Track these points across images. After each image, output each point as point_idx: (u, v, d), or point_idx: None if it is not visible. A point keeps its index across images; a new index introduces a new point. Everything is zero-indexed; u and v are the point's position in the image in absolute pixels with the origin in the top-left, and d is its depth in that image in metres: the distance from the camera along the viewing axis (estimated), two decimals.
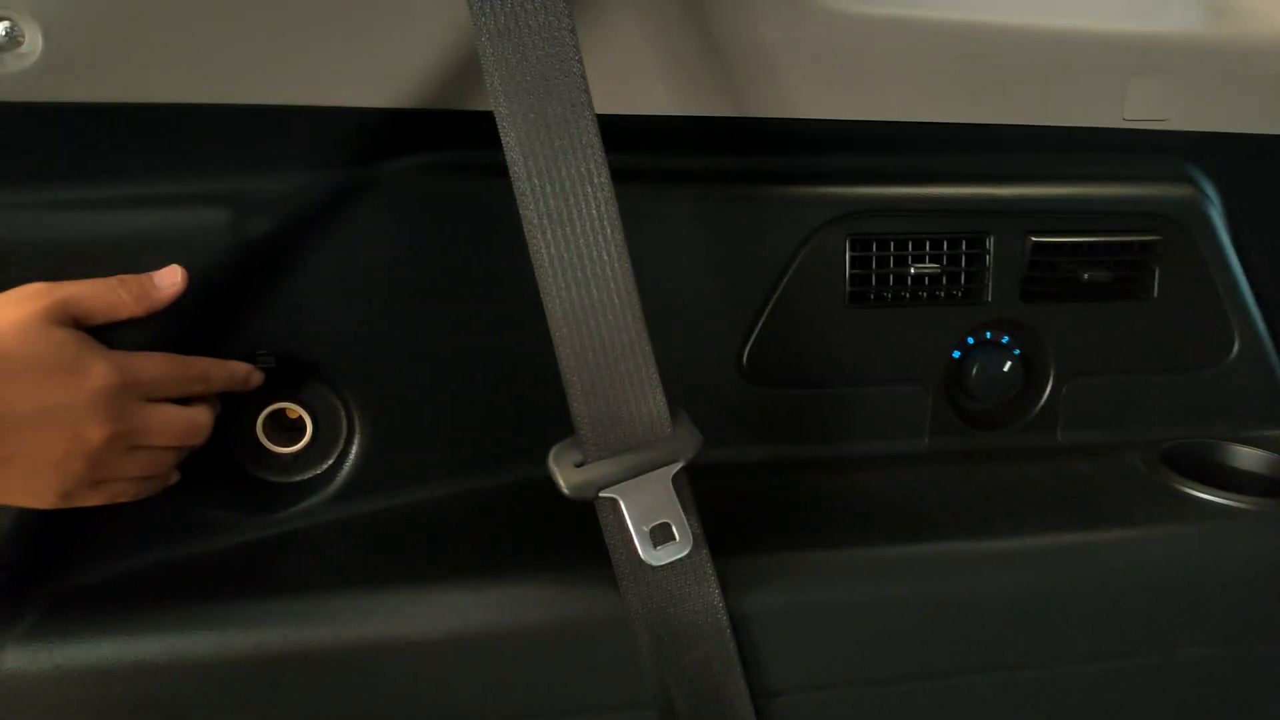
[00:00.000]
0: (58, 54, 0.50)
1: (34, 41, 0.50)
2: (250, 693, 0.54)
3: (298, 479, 0.65)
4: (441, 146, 0.63)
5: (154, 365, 0.53)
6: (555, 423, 0.57)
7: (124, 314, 0.53)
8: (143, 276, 0.54)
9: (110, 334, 0.52)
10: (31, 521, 0.54)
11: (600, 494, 0.55)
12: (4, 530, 0.54)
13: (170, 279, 0.55)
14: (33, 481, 0.50)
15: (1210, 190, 0.82)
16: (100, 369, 0.50)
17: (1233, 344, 0.82)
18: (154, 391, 0.53)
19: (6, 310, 0.49)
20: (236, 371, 0.59)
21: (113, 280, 0.53)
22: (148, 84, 0.53)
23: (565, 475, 0.55)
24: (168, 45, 0.53)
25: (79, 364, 0.49)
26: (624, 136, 0.66)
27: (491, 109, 0.52)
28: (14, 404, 0.47)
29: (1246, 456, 0.78)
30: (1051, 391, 0.79)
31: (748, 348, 0.73)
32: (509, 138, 0.52)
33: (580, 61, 0.53)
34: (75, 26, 0.50)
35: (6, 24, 0.50)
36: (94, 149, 0.53)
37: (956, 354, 0.77)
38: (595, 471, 0.55)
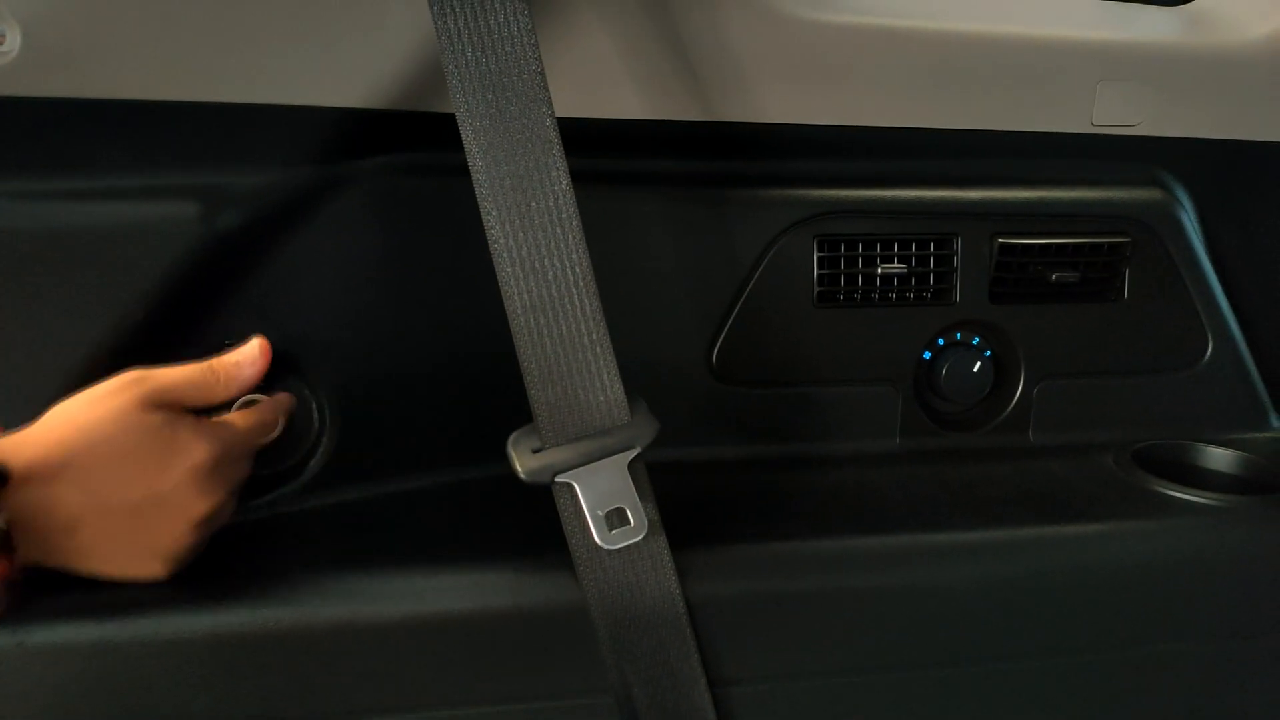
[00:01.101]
0: (35, 51, 0.53)
1: (13, 39, 0.52)
2: (210, 672, 0.55)
3: (267, 471, 0.66)
4: (410, 147, 0.65)
5: (243, 422, 0.58)
6: (523, 416, 0.58)
7: (218, 398, 0.57)
8: (228, 359, 0.58)
9: (72, 323, 0.54)
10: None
11: (556, 479, 0.56)
12: None
13: (251, 357, 0.59)
14: (147, 561, 0.54)
15: (1182, 194, 0.83)
16: (199, 447, 0.53)
17: (1206, 347, 0.82)
18: (246, 448, 0.58)
19: (104, 401, 0.52)
20: (285, 401, 0.64)
21: (203, 366, 0.57)
22: (123, 81, 0.55)
23: (522, 460, 0.56)
24: (143, 44, 0.55)
25: (177, 445, 0.52)
26: (594, 140, 0.68)
27: (454, 110, 0.54)
28: (123, 492, 0.51)
29: (1218, 457, 0.78)
30: (1023, 392, 0.80)
31: (717, 347, 0.74)
32: (467, 132, 0.54)
33: (539, 60, 0.55)
34: (52, 25, 0.53)
35: None
36: (70, 143, 0.55)
37: (927, 355, 0.78)
38: (552, 457, 0.56)
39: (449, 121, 0.60)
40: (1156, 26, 0.82)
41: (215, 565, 0.58)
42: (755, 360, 0.75)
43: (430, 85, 0.63)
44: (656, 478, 0.59)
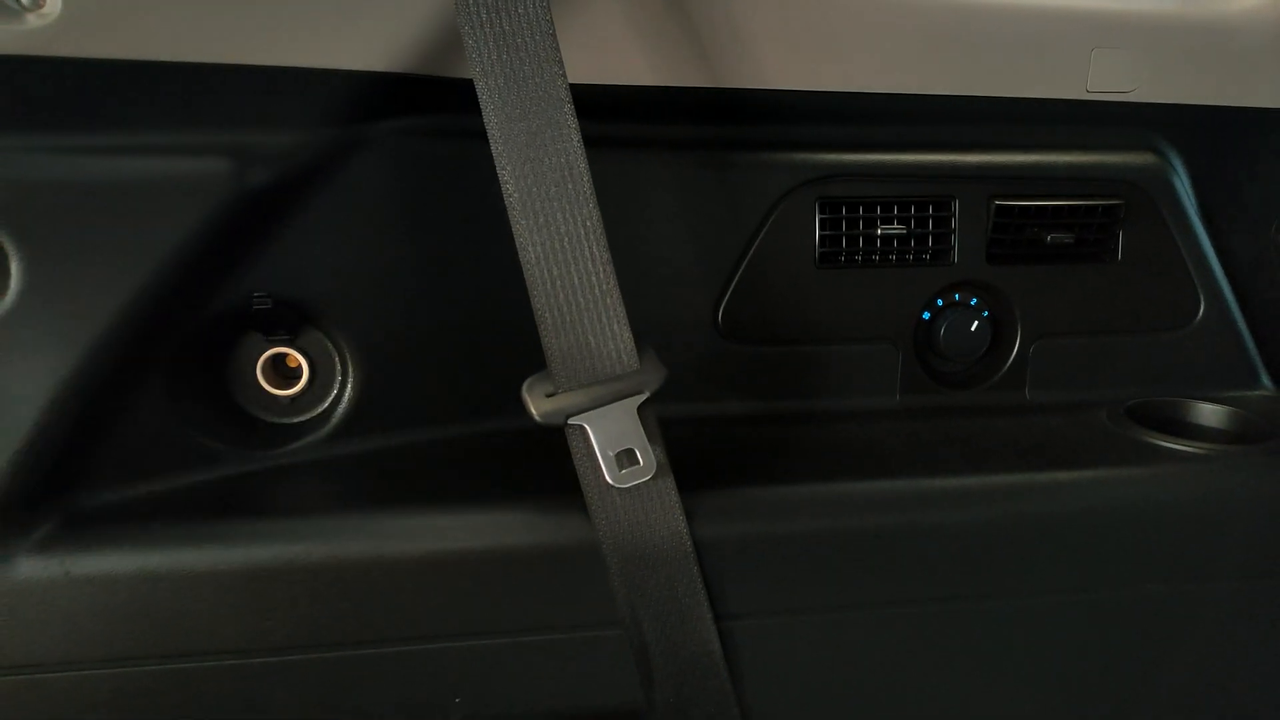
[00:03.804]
0: (74, 14, 0.56)
1: (53, 3, 0.55)
2: (244, 603, 0.58)
3: (295, 420, 0.69)
4: (429, 110, 0.68)
5: None
6: (535, 368, 0.61)
7: None
8: None
9: (110, 272, 0.57)
10: (46, 441, 0.59)
11: (569, 421, 0.59)
12: (20, 447, 0.58)
13: None
14: None
15: (1174, 158, 0.85)
16: None
17: (1198, 307, 0.85)
18: None
19: None
20: None
21: None
22: (156, 43, 0.58)
23: (536, 404, 0.59)
24: (175, 7, 0.58)
25: None
26: (604, 106, 0.71)
27: (471, 75, 0.57)
28: None
29: (1208, 412, 0.80)
30: (1019, 351, 0.82)
31: (723, 306, 0.77)
32: (483, 91, 0.56)
33: (550, 21, 0.57)
34: None
35: None
36: (107, 101, 0.58)
37: (926, 314, 0.81)
38: (564, 401, 0.59)
39: (465, 86, 0.63)
40: None
41: (250, 504, 0.62)
42: (760, 319, 0.78)
43: (448, 51, 0.66)
44: (664, 430, 0.62)
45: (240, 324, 0.67)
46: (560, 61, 0.58)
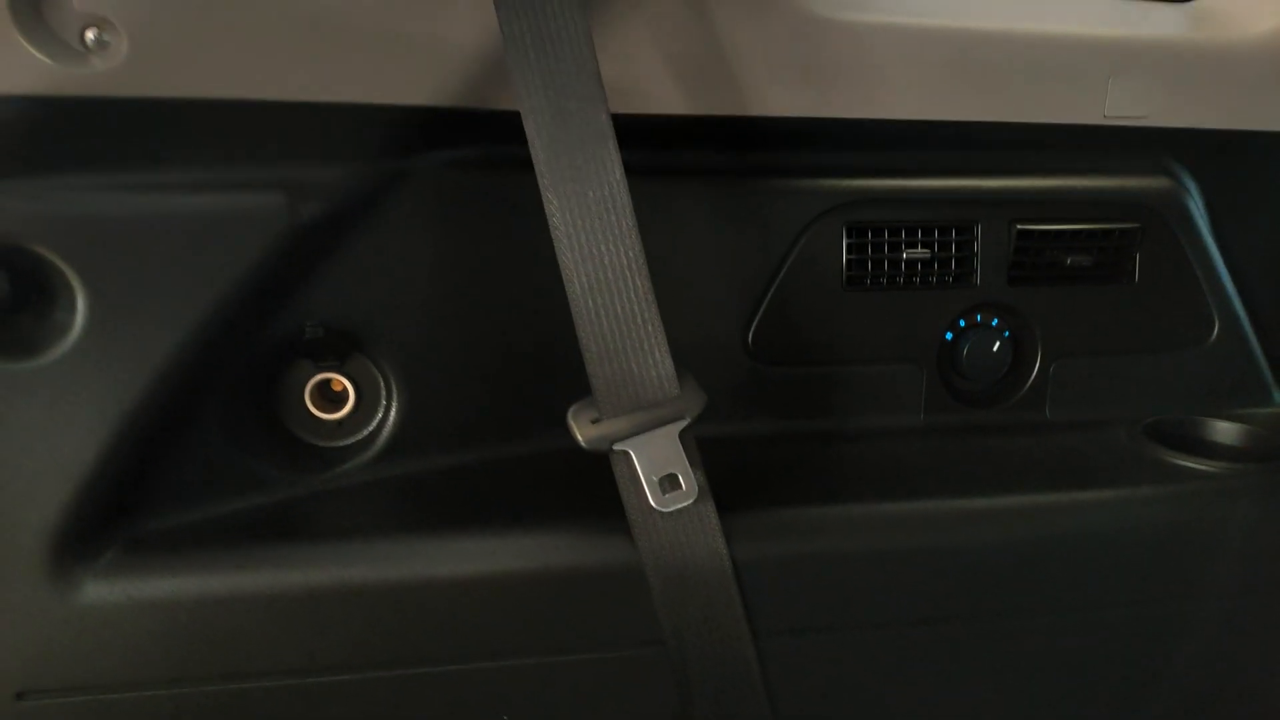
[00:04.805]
0: (142, 56, 0.58)
1: (119, 45, 0.57)
2: (299, 624, 0.60)
3: (342, 443, 0.71)
4: (473, 142, 0.70)
5: None
6: (575, 393, 0.63)
7: None
8: None
9: (170, 305, 0.59)
10: (110, 470, 0.61)
11: (614, 447, 0.61)
12: (85, 479, 0.60)
13: None
14: None
15: (1189, 182, 0.87)
16: None
17: (1213, 327, 0.87)
18: None
19: None
20: None
21: None
22: (216, 82, 0.60)
23: (582, 430, 0.61)
24: (233, 49, 0.60)
25: None
26: (639, 135, 0.73)
27: (517, 108, 0.59)
28: None
29: (1224, 430, 0.82)
30: (1039, 370, 0.84)
31: (753, 329, 0.79)
32: (530, 128, 0.58)
33: (595, 61, 0.59)
34: (155, 33, 0.58)
35: (95, 30, 0.57)
36: (168, 139, 0.60)
37: (949, 335, 0.83)
38: (609, 427, 0.61)
39: (507, 117, 0.65)
40: (1164, 23, 0.86)
41: (304, 528, 0.64)
42: (789, 341, 0.80)
43: (491, 84, 0.68)
44: (700, 450, 0.64)
45: (292, 351, 0.69)
46: (604, 98, 0.60)
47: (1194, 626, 0.73)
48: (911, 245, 0.80)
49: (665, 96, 0.74)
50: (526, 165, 0.59)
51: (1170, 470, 0.75)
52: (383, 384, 0.71)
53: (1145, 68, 0.82)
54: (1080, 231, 0.83)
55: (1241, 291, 0.88)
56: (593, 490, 0.65)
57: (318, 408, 0.71)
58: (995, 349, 0.83)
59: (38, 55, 0.55)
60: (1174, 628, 0.73)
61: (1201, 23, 0.87)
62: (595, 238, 0.60)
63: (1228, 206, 0.88)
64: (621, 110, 0.70)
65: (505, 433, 0.74)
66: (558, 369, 0.69)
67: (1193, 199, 0.87)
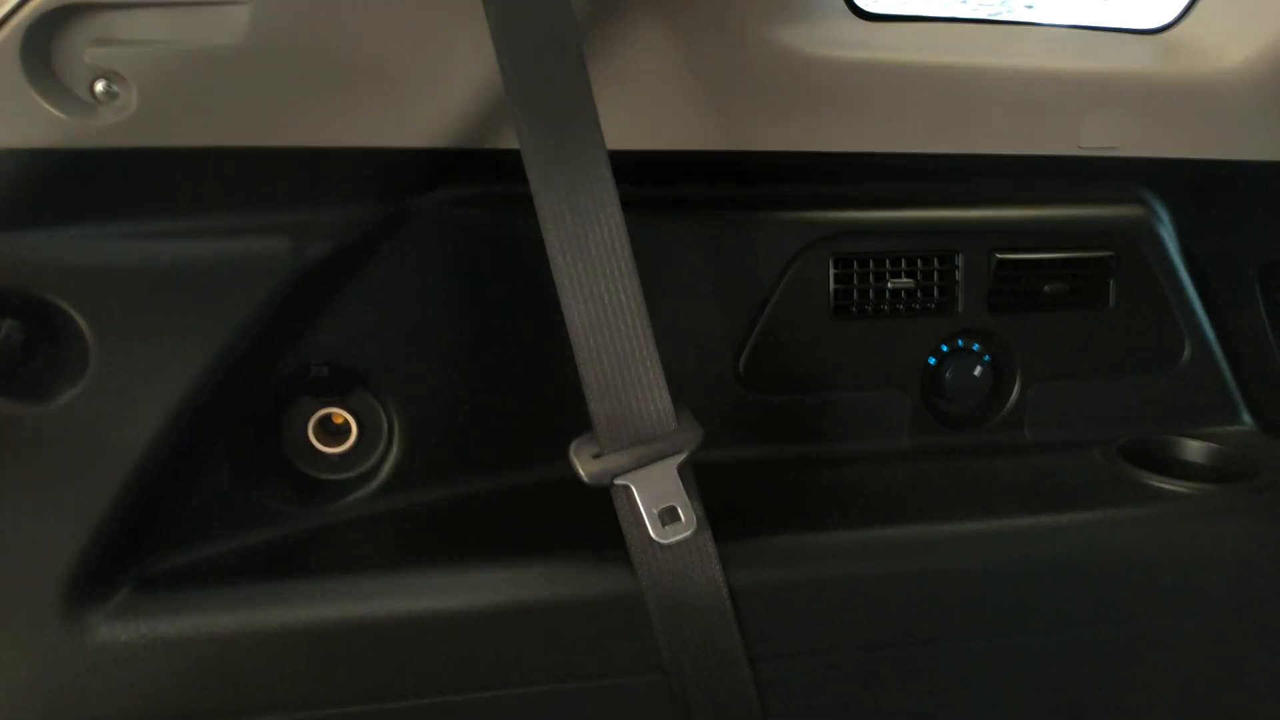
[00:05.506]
0: (151, 107, 0.59)
1: (129, 97, 0.58)
2: (309, 659, 0.62)
3: (344, 476, 0.73)
4: (472, 181, 0.71)
5: None
6: (573, 426, 0.65)
7: None
8: None
9: (179, 349, 0.60)
10: (122, 511, 0.62)
11: (615, 481, 0.63)
12: (96, 521, 0.61)
13: None
14: None
15: (1161, 210, 0.90)
16: None
17: (1184, 349, 0.90)
18: None
19: None
20: None
21: None
22: (222, 130, 0.61)
23: (584, 465, 0.63)
24: (238, 98, 0.61)
25: None
26: (631, 169, 0.75)
27: (516, 148, 0.60)
28: None
29: (1195, 449, 0.86)
30: (1019, 393, 0.87)
31: (744, 357, 0.81)
32: (531, 170, 0.60)
33: (593, 103, 0.61)
34: (163, 84, 0.59)
35: (105, 82, 0.58)
36: (175, 186, 0.61)
37: (932, 360, 0.86)
38: (610, 462, 0.63)
39: (504, 157, 0.66)
40: (1136, 56, 0.89)
41: (310, 564, 0.65)
42: (779, 368, 0.82)
43: (489, 125, 0.70)
44: (695, 477, 0.66)
45: (296, 388, 0.70)
46: (602, 142, 0.62)
47: (1171, 645, 0.77)
48: (896, 275, 0.83)
49: (658, 132, 0.76)
50: (526, 202, 0.61)
51: (1145, 491, 0.78)
52: (384, 417, 0.73)
53: (1118, 100, 0.85)
54: (1057, 260, 0.86)
55: (1211, 315, 0.91)
56: (592, 521, 0.67)
57: (321, 441, 0.72)
58: (977, 373, 0.86)
59: (49, 109, 0.57)
60: (1152, 646, 0.76)
61: (1172, 55, 0.90)
62: (595, 278, 0.62)
63: (1198, 233, 0.92)
64: (615, 147, 0.72)
65: (505, 465, 0.76)
66: (556, 402, 0.71)
67: (1164, 226, 0.90)
